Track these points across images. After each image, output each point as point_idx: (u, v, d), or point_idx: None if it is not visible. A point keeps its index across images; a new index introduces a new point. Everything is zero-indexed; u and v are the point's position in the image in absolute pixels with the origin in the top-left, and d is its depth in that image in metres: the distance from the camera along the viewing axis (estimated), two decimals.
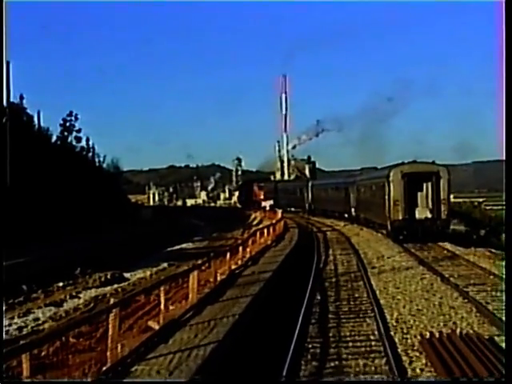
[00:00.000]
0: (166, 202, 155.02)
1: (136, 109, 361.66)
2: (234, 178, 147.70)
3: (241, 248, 23.14)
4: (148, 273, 28.78)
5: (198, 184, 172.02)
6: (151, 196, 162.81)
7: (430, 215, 29.41)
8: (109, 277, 26.64)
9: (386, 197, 30.06)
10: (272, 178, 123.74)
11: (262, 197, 77.37)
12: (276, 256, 25.42)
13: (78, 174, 50.07)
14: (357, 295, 17.44)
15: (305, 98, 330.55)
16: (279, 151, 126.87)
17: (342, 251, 28.60)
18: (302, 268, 22.50)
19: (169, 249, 40.24)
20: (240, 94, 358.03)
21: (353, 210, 43.47)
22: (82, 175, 51.11)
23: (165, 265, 31.27)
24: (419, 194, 29.87)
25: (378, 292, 17.63)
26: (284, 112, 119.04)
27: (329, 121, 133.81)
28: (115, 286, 25.33)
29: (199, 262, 18.40)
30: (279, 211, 46.71)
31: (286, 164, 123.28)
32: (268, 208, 54.38)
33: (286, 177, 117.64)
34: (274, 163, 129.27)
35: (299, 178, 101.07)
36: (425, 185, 29.75)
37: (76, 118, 58.89)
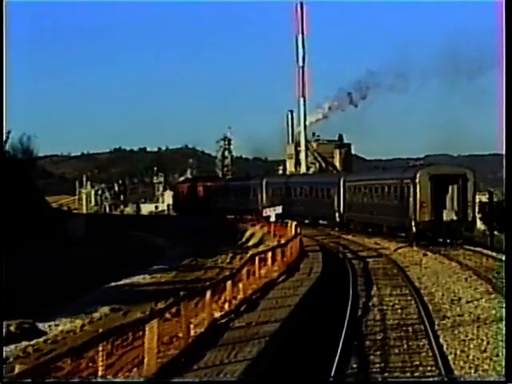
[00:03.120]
0: (108, 208, 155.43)
1: (67, 59, 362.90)
2: (218, 170, 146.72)
3: (229, 284, 23.15)
4: (78, 323, 28.78)
5: (161, 179, 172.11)
6: (84, 198, 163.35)
7: (455, 217, 43.92)
8: (13, 329, 26.62)
9: (411, 199, 44.50)
10: (281, 170, 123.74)
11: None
12: (286, 297, 25.47)
13: None
14: (417, 362, 17.50)
15: (338, 41, 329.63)
16: (292, 127, 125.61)
17: (392, 290, 28.80)
18: (328, 317, 22.48)
19: (112, 284, 40.25)
20: (230, 37, 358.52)
21: (337, 214, 59.16)
22: None
23: (105, 309, 31.26)
24: (446, 195, 44.46)
25: (451, 358, 17.70)
26: (301, 63, 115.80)
27: (385, 74, 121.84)
28: (23, 343, 25.31)
29: (161, 305, 18.32)
30: (292, 225, 46.90)
31: (302, 148, 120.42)
32: (273, 219, 54.38)
33: (303, 168, 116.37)
34: (284, 147, 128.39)
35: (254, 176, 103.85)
36: (451, 187, 44.31)
37: None
